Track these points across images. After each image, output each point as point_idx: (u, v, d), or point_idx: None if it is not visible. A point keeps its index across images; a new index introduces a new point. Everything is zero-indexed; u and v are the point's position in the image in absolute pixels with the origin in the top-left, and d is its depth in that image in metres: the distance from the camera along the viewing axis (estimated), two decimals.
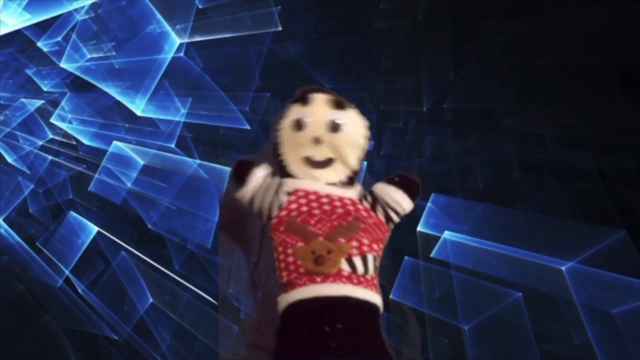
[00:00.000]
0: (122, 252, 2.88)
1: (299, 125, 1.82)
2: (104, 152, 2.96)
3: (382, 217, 1.83)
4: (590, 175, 2.30)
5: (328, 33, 2.79)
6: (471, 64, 2.53)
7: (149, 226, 2.85)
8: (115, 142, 2.95)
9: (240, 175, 1.88)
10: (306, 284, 1.71)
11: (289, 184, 1.85)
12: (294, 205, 1.81)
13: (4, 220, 3.06)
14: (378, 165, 2.58)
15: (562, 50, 2.38)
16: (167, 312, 2.76)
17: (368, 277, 1.73)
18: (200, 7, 2.84)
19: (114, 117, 2.98)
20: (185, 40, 2.86)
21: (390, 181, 1.88)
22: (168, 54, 2.87)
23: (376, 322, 1.75)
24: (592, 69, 2.31)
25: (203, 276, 2.71)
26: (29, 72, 3.10)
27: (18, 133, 3.11)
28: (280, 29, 2.75)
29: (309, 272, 1.72)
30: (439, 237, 2.53)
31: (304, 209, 1.80)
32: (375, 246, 1.78)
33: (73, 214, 3.00)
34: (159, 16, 2.88)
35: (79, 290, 2.89)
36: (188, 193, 2.78)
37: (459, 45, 2.57)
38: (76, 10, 2.97)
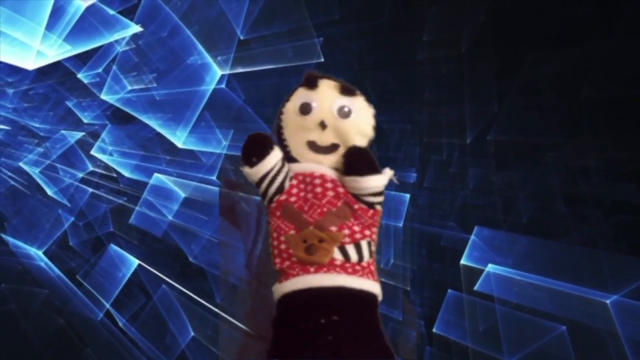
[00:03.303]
0: (163, 286, 2.98)
1: (304, 108, 1.84)
2: (144, 184, 3.09)
3: (363, 205, 1.84)
4: (635, 208, 2.36)
5: (371, 65, 2.89)
6: (515, 96, 2.61)
7: (190, 259, 2.95)
8: (156, 175, 3.08)
9: (255, 153, 1.85)
10: (299, 274, 1.76)
11: (292, 168, 1.87)
12: (294, 190, 1.85)
13: (44, 253, 3.20)
14: (421, 198, 2.71)
15: (608, 81, 2.45)
16: (209, 346, 2.85)
17: (364, 264, 1.78)
18: (242, 38, 2.95)
19: (155, 149, 3.10)
20: (227, 71, 2.97)
21: (343, 172, 1.84)
22: (209, 86, 2.99)
23: (374, 312, 1.78)
24: (637, 101, 2.38)
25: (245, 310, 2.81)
26: (69, 104, 3.25)
27: (58, 165, 3.26)
28: (322, 60, 2.85)
29: (301, 261, 1.77)
30: (482, 271, 2.60)
31: (302, 194, 1.84)
32: (367, 232, 1.81)
33: (114, 247, 3.12)
34: (200, 47, 3.01)
35: (120, 324, 3.00)
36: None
37: (503, 77, 2.64)
38: (117, 41, 3.10)
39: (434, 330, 2.63)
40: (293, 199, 1.86)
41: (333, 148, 1.87)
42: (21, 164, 3.31)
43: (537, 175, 2.58)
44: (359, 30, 2.91)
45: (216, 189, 2.92)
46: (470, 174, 2.72)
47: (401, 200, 2.72)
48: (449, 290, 2.66)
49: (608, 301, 2.37)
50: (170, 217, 3.03)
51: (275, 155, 1.86)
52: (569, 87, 2.52)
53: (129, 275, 3.06)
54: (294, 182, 1.88)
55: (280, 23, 2.94)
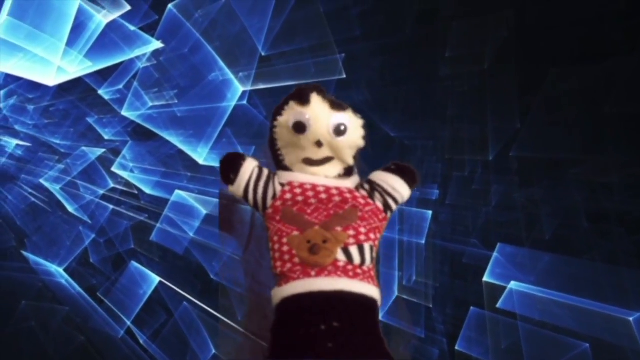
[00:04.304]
0: (185, 303, 3.00)
1: (299, 128, 1.90)
2: (166, 201, 3.10)
3: (380, 205, 1.92)
4: None
5: (393, 81, 2.93)
6: (538, 112, 2.66)
7: (212, 276, 2.97)
8: (177, 191, 3.10)
9: (230, 170, 1.96)
10: (300, 277, 1.80)
11: (284, 176, 1.96)
12: (288, 195, 1.92)
13: (65, 270, 3.20)
14: (444, 215, 2.76)
15: (630, 97, 2.51)
16: None
17: (365, 268, 1.83)
18: (263, 54, 3.00)
19: (176, 165, 3.12)
20: (249, 88, 3.01)
21: (387, 169, 1.96)
22: (231, 102, 3.03)
23: (374, 318, 1.83)
24: None
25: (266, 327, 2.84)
26: (90, 120, 3.25)
27: (79, 182, 3.25)
28: (344, 76, 2.89)
29: (303, 262, 1.81)
30: (505, 288, 2.64)
31: (300, 198, 1.90)
32: (372, 235, 1.87)
33: (135, 264, 3.14)
34: (221, 64, 3.05)
35: (141, 342, 3.01)
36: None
37: (525, 93, 2.69)
38: (138, 57, 3.13)
39: (456, 347, 2.67)
40: (290, 203, 1.92)
41: (327, 160, 1.96)
42: (42, 181, 3.32)
43: (560, 192, 2.63)
44: (381, 47, 2.96)
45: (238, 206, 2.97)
46: (492, 191, 2.76)
47: (423, 217, 2.76)
48: (472, 308, 2.70)
49: (631, 318, 2.40)
50: (191, 234, 3.06)
51: (249, 164, 1.96)
52: (592, 104, 2.57)
53: (150, 292, 3.08)
54: (287, 188, 1.95)
55: (301, 39, 2.99)
